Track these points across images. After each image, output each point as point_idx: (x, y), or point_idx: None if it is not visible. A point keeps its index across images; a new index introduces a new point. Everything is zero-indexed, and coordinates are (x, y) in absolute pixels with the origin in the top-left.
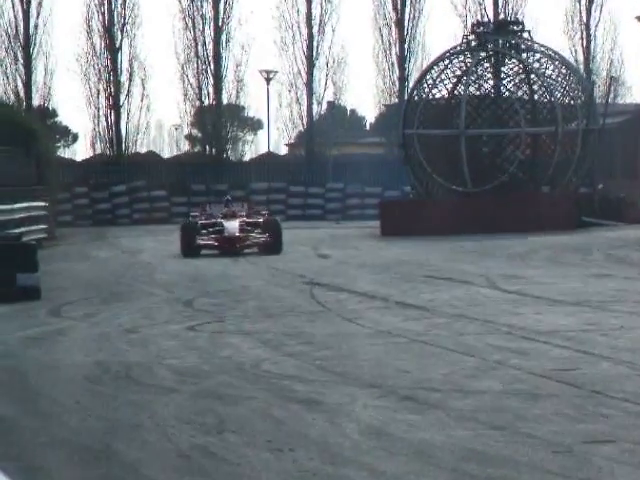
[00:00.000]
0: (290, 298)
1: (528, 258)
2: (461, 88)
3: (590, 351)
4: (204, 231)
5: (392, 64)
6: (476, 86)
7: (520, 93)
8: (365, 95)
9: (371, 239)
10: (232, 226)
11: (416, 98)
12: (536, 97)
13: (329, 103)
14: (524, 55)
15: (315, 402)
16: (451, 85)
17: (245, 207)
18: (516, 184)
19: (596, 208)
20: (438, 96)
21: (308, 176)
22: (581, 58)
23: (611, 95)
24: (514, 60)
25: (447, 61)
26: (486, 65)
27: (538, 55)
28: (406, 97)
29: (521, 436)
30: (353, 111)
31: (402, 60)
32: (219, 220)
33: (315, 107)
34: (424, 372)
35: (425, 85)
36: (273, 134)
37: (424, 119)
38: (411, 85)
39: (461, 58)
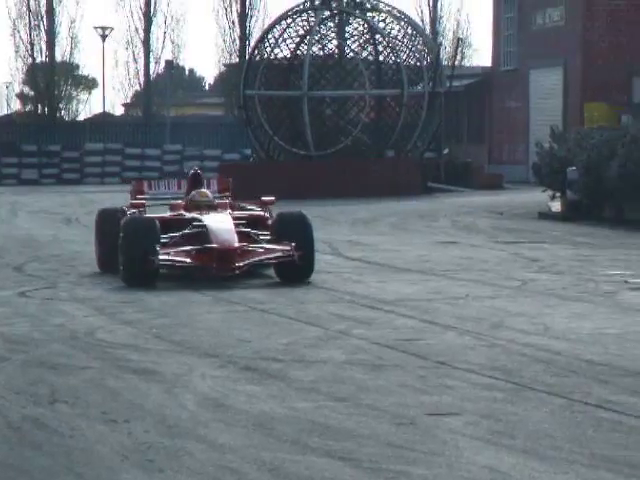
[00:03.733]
0: None
1: (372, 224)
2: (304, 48)
3: (435, 321)
4: (165, 237)
5: (233, 22)
6: (320, 46)
7: (365, 54)
8: (204, 54)
9: None
10: (222, 227)
11: (257, 58)
12: (381, 58)
13: (167, 62)
14: (369, 15)
15: (151, 372)
16: (294, 45)
17: (214, 185)
18: (360, 148)
19: (442, 173)
20: (280, 56)
21: (145, 137)
22: (427, 19)
23: (458, 57)
24: (359, 20)
25: (290, 20)
26: (330, 24)
27: (383, 15)
28: (247, 57)
29: (364, 408)
30: (192, 71)
31: (243, 18)
32: (193, 215)
33: (152, 66)
34: (264, 341)
35: (267, 44)
36: (109, 93)
37: (266, 80)
38: (252, 44)
39: (304, 17)
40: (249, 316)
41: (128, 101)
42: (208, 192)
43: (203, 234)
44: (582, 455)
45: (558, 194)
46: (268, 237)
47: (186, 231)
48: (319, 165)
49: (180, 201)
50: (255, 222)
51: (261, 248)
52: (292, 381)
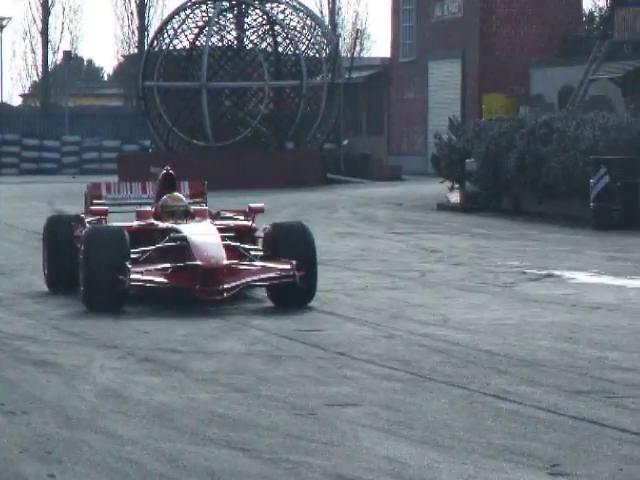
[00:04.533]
0: (23, 255)
1: (272, 215)
2: (203, 39)
3: (334, 311)
4: (135, 252)
5: (131, 13)
6: (218, 37)
7: (264, 45)
8: (103, 45)
9: None
10: (207, 241)
11: (156, 49)
12: (280, 49)
13: (65, 53)
14: (268, 6)
15: (50, 363)
16: (193, 36)
17: (184, 189)
18: (259, 139)
19: (341, 165)
20: (179, 47)
21: (43, 128)
22: (326, 10)
23: (357, 49)
24: (258, 11)
25: (189, 11)
26: (229, 16)
27: (282, 6)
28: (146, 48)
29: (263, 398)
30: (90, 61)
31: (142, 9)
32: (169, 225)
33: (51, 56)
34: (163, 333)
35: (166, 35)
36: (6, 84)
37: (164, 71)
38: (151, 35)
39: (203, 8)
40: (147, 307)
41: (26, 92)
42: (182, 196)
43: (182, 248)
44: (480, 445)
45: (457, 185)
46: (259, 252)
47: (161, 244)
48: (218, 156)
49: (149, 207)
50: (239, 234)
51: (254, 266)
52: (191, 372)
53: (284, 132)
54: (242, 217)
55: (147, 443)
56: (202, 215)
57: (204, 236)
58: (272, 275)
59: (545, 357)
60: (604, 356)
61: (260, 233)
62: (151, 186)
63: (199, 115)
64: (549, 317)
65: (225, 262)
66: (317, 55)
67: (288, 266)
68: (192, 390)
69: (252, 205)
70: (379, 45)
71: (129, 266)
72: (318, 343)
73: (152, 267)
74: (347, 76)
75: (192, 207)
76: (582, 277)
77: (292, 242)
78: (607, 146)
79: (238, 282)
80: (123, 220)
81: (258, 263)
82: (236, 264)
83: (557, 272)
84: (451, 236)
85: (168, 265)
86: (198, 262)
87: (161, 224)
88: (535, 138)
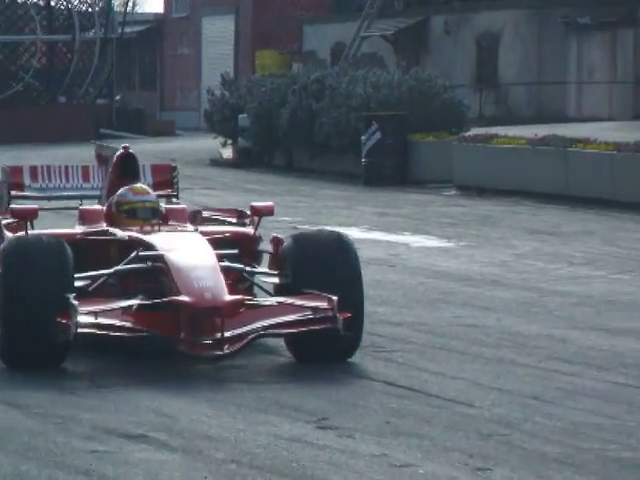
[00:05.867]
0: None
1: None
2: None
3: None
4: (81, 277)
5: None
6: None
7: None
8: None
9: None
10: (196, 263)
11: None
12: (53, 3)
13: None
14: None
15: None
16: None
17: (146, 175)
18: (32, 94)
19: (114, 120)
20: None
21: None
22: None
23: (129, 3)
24: None
25: None
26: None
27: None
28: None
29: None
30: None
31: None
32: (133, 235)
33: None
34: None
35: None
36: None
37: None
38: None
39: None
40: None
41: None
42: (149, 189)
43: (157, 274)
44: (250, 399)
45: (230, 141)
46: (272, 278)
47: (123, 266)
48: None
49: (96, 204)
50: (234, 247)
51: (269, 303)
52: None
53: (56, 86)
54: (234, 219)
55: None
56: (180, 217)
57: (190, 254)
58: (300, 318)
59: None
60: (373, 310)
61: (266, 246)
62: (96, 171)
63: None
64: None
65: (227, 298)
66: (90, 9)
67: (325, 303)
68: None
69: (256, 204)
70: (152, 0)
71: (75, 302)
72: None
73: (110, 304)
74: (120, 31)
75: (164, 204)
76: (353, 233)
77: (325, 264)
78: (378, 103)
79: (247, 328)
80: (56, 224)
81: (276, 298)
82: (244, 300)
83: (329, 228)
84: (224, 192)
85: (136, 302)
86: (184, 298)
87: (120, 232)
88: (307, 94)
